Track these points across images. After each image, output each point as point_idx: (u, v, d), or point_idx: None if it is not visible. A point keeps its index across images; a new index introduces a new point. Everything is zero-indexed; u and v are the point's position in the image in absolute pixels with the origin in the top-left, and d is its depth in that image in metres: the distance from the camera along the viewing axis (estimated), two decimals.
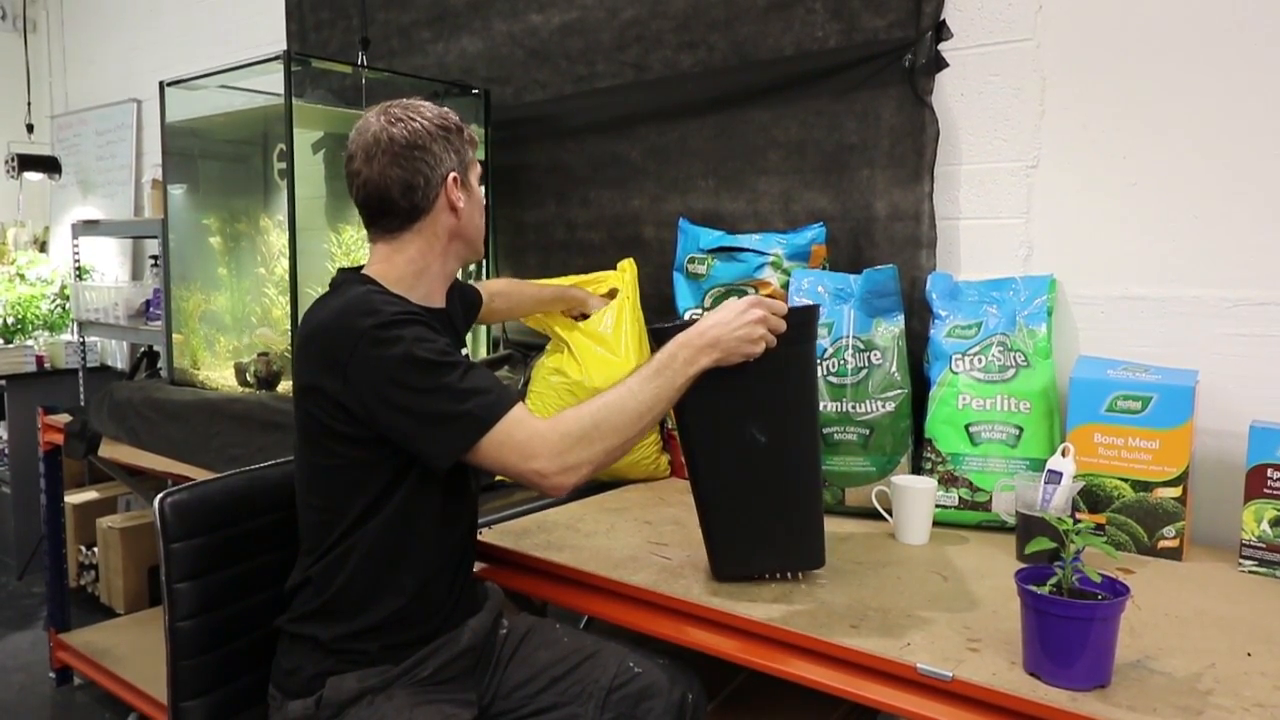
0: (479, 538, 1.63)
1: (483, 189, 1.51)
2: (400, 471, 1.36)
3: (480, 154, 2.59)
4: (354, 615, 1.38)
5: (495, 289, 1.97)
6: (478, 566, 1.62)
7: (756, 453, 1.39)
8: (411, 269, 1.44)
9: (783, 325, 1.36)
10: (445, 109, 1.47)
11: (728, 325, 1.34)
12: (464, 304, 1.72)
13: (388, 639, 1.39)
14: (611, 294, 2.14)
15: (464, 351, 1.59)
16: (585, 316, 2.12)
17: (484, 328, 2.70)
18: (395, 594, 1.38)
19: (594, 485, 1.94)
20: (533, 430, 1.29)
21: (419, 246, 1.45)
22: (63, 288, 4.28)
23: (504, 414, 1.28)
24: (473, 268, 2.64)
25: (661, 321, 1.91)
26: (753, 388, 1.37)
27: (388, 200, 1.41)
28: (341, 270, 1.49)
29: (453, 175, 1.43)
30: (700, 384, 1.35)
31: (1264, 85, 1.59)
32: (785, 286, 1.92)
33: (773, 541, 1.42)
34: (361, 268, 1.47)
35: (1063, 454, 1.53)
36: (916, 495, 1.62)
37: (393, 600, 1.38)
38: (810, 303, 1.74)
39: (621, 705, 1.43)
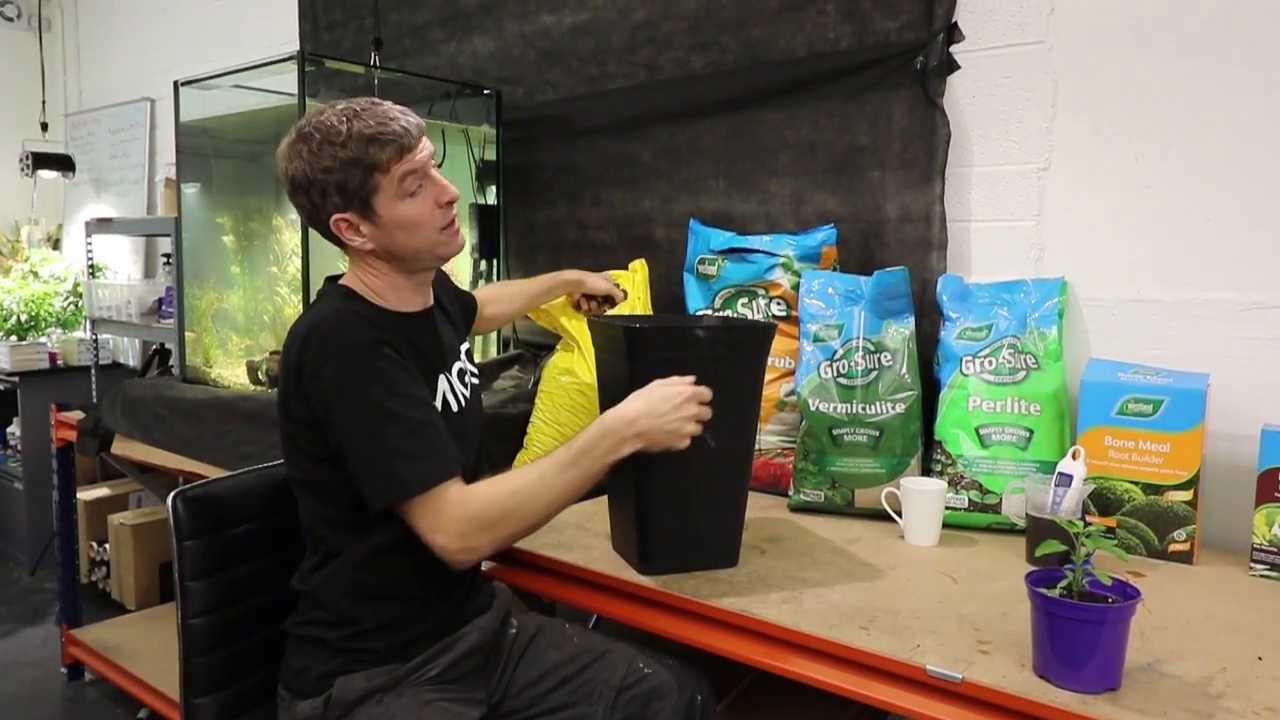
0: None
1: (420, 199, 1.36)
2: None
3: (491, 155, 2.65)
4: (358, 619, 1.38)
5: (485, 296, 1.91)
6: (487, 565, 1.62)
7: (704, 455, 1.44)
8: (373, 280, 1.42)
9: (708, 414, 1.37)
10: (366, 129, 1.30)
11: (660, 417, 1.33)
12: (462, 306, 1.71)
13: (394, 638, 1.39)
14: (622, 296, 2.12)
15: (464, 347, 1.57)
16: (610, 302, 2.05)
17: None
18: (397, 597, 1.38)
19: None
20: (444, 507, 1.28)
21: (361, 266, 1.43)
22: (76, 285, 4.30)
23: (429, 488, 1.28)
24: (482, 271, 2.64)
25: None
26: (716, 397, 1.40)
27: (312, 224, 1.41)
28: (327, 279, 1.47)
29: (337, 218, 1.36)
30: None
31: (1277, 88, 1.59)
32: (795, 288, 1.92)
33: (701, 540, 1.49)
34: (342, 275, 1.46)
35: (1073, 457, 1.53)
36: (926, 497, 1.62)
37: (396, 603, 1.38)
38: (770, 321, 1.83)
39: (631, 706, 1.43)
